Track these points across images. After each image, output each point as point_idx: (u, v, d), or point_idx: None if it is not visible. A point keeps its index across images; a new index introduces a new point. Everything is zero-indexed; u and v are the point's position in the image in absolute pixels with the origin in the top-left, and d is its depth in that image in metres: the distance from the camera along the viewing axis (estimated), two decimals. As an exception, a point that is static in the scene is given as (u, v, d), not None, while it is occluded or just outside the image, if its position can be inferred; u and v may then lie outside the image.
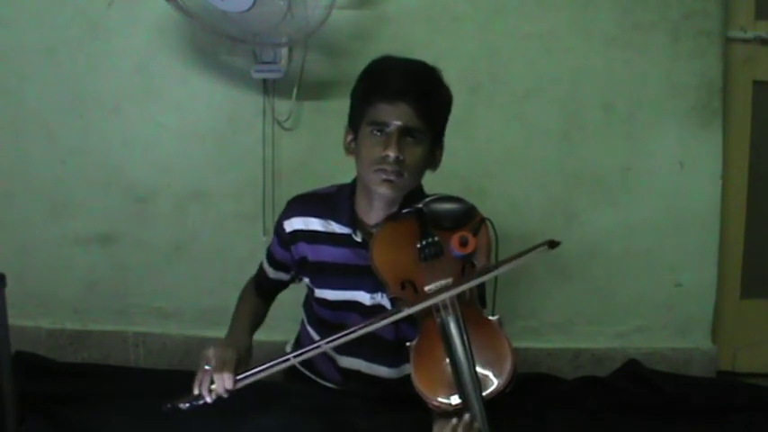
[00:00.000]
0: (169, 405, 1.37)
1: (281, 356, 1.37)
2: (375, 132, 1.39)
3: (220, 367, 1.34)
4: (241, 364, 1.39)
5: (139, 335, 2.38)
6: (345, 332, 1.35)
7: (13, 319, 1.74)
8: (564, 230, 2.31)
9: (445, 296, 1.31)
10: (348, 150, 1.49)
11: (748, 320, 2.41)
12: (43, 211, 2.33)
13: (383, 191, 1.40)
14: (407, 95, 1.37)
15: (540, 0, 2.22)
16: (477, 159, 2.25)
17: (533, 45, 2.23)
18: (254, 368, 1.36)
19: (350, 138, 1.48)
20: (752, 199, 2.36)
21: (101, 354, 2.38)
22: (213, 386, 1.34)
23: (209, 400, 1.34)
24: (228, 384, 1.33)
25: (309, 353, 1.38)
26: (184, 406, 1.35)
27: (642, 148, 2.28)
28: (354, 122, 1.46)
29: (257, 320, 1.63)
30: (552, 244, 1.33)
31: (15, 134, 2.31)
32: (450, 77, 2.15)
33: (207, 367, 1.35)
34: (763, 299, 2.42)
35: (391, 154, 1.36)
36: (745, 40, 2.28)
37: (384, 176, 1.39)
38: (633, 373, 2.28)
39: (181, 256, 2.34)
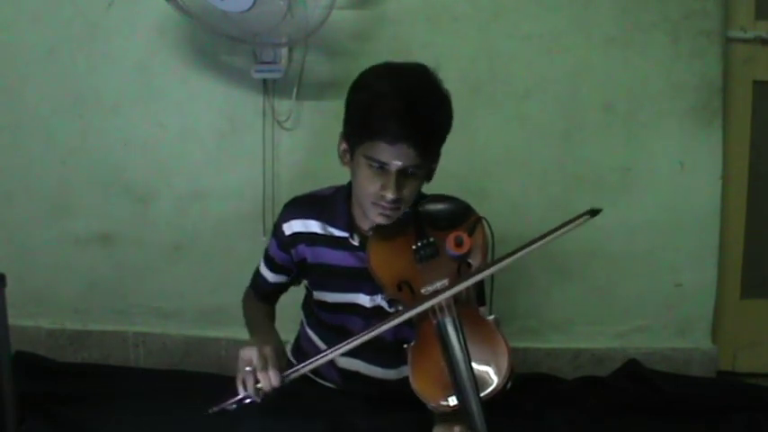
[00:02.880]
0: (216, 408, 1.35)
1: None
2: (373, 166, 1.35)
3: (263, 366, 1.31)
4: (280, 359, 1.36)
5: (139, 335, 2.38)
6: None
7: (13, 319, 1.75)
8: (564, 230, 2.31)
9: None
10: (343, 161, 1.45)
11: (748, 320, 2.41)
12: (43, 211, 2.34)
13: (379, 220, 1.39)
14: (409, 138, 1.31)
15: (540, 0, 2.21)
16: (476, 159, 2.25)
17: (533, 45, 2.23)
18: (298, 364, 1.35)
19: (344, 147, 1.43)
20: (752, 199, 2.36)
21: (101, 354, 2.38)
22: (259, 385, 1.31)
23: (258, 399, 1.32)
24: (275, 381, 1.30)
25: (341, 349, 1.34)
26: (231, 407, 1.34)
27: (642, 148, 2.28)
28: (350, 140, 1.40)
29: (273, 320, 1.62)
30: (594, 212, 1.29)
31: (15, 134, 2.31)
32: (450, 77, 2.15)
33: (248, 369, 1.32)
34: (763, 299, 2.42)
35: (390, 195, 1.34)
36: (745, 40, 2.28)
37: (381, 211, 1.38)
38: (633, 373, 2.29)
39: (181, 256, 2.34)
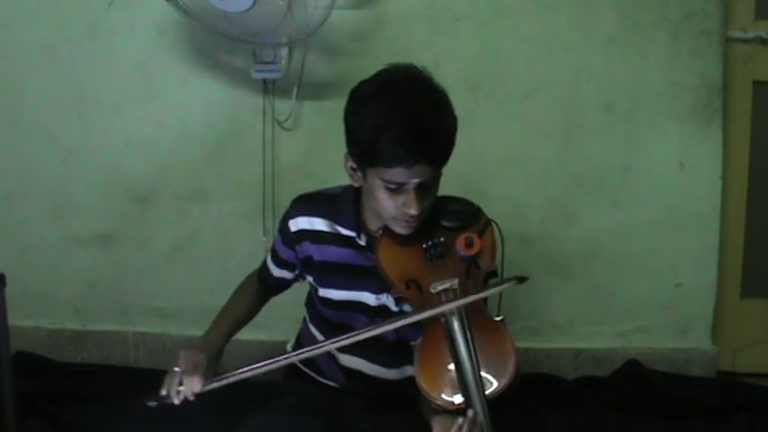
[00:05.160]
0: (137, 402, 1.38)
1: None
2: (390, 188, 1.33)
3: (190, 371, 1.36)
4: (210, 368, 1.41)
5: (139, 335, 2.38)
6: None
7: (13, 319, 1.75)
8: (564, 230, 2.31)
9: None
10: (353, 179, 1.42)
11: (748, 320, 2.41)
12: (43, 211, 2.33)
13: (403, 232, 1.39)
14: (424, 157, 1.30)
15: (539, 0, 2.22)
16: (477, 159, 2.24)
17: (533, 45, 2.23)
18: (225, 374, 1.37)
19: (352, 166, 1.40)
20: (752, 199, 2.36)
21: (101, 354, 2.38)
22: (181, 388, 1.35)
23: (175, 401, 1.35)
24: (196, 388, 1.35)
25: (297, 356, 1.40)
26: (152, 404, 1.36)
27: (642, 148, 2.28)
28: (360, 163, 1.37)
29: (243, 321, 1.62)
30: (521, 280, 1.35)
31: (15, 134, 2.31)
32: (450, 77, 2.15)
33: (176, 369, 1.36)
34: (763, 299, 2.42)
35: (413, 212, 1.33)
36: (745, 40, 2.28)
37: (404, 225, 1.37)
38: (633, 373, 2.29)
39: (181, 256, 2.34)
